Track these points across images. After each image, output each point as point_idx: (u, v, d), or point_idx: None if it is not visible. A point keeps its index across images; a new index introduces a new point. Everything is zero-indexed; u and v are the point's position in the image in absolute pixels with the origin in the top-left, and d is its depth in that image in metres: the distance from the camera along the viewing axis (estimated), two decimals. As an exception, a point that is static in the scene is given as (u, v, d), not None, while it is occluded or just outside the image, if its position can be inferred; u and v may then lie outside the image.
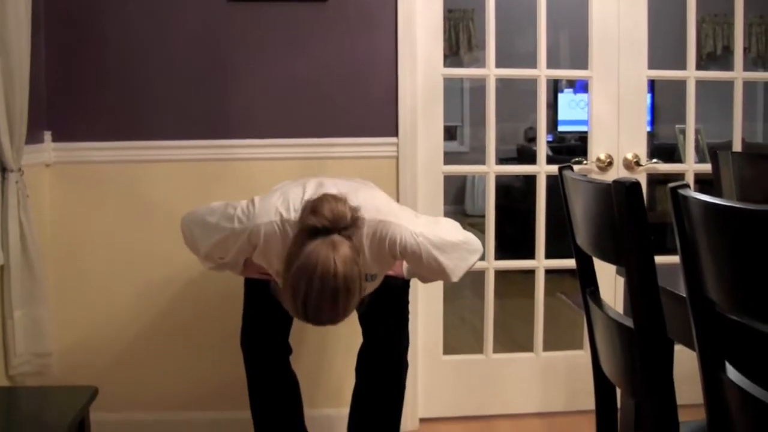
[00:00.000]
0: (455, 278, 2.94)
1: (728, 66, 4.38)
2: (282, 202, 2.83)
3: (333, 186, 2.88)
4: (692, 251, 1.57)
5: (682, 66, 4.19)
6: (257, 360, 3.26)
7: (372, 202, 2.85)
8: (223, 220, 2.89)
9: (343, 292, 2.46)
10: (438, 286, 4.08)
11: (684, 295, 1.63)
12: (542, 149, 4.21)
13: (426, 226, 2.91)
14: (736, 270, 1.42)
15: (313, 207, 2.56)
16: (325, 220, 2.50)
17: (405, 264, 3.13)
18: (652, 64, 4.15)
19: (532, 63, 4.12)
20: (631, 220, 1.78)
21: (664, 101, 9.21)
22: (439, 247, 2.85)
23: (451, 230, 2.97)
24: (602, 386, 2.37)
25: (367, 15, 3.92)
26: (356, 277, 2.50)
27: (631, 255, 1.82)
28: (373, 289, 2.98)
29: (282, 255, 2.65)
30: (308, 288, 2.45)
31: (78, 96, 3.87)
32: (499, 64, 4.09)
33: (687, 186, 1.59)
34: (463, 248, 2.94)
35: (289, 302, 2.52)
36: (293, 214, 2.77)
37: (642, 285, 1.82)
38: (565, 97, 9.96)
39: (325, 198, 2.60)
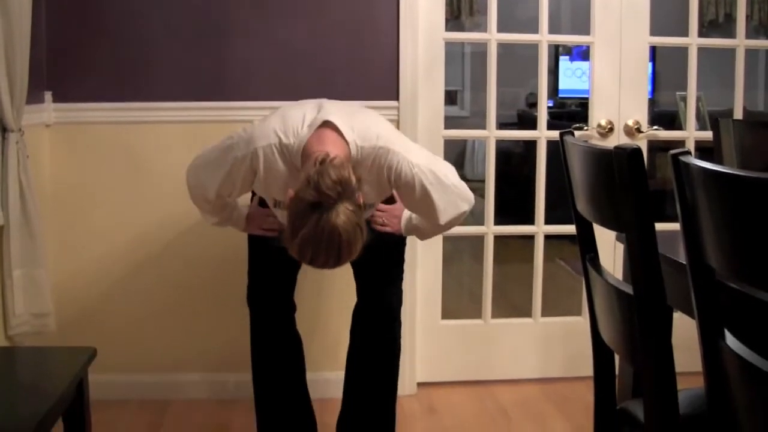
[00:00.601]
0: (443, 220, 2.93)
1: (730, 34, 4.36)
2: (280, 125, 2.83)
3: (333, 107, 2.89)
4: (693, 218, 1.57)
5: (684, 33, 4.18)
6: (264, 316, 3.26)
7: (373, 129, 2.86)
8: (224, 153, 2.89)
9: (346, 252, 2.52)
10: (437, 249, 4.08)
11: (684, 263, 1.63)
12: (543, 115, 4.20)
13: (425, 159, 2.91)
14: (736, 237, 1.42)
15: (315, 184, 2.50)
16: (327, 197, 2.48)
17: (403, 220, 3.14)
18: (654, 31, 4.14)
19: (534, 28, 4.10)
20: (632, 186, 1.78)
21: (665, 68, 9.17)
22: (434, 183, 2.85)
23: (448, 173, 2.96)
24: (601, 353, 2.38)
25: (368, -21, 3.91)
26: (359, 237, 2.54)
27: (632, 222, 1.82)
28: (370, 213, 3.00)
29: (282, 183, 2.74)
30: (314, 253, 2.50)
31: (78, 56, 3.85)
32: (500, 29, 4.07)
33: (688, 153, 1.59)
34: (455, 193, 2.94)
35: (295, 255, 2.56)
36: (292, 140, 2.77)
37: (642, 252, 1.82)
38: (562, 65, 9.91)
39: (325, 170, 2.54)
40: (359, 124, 2.83)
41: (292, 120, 2.83)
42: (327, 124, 2.78)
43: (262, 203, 3.17)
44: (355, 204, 2.54)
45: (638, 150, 1.77)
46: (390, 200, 3.14)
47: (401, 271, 3.33)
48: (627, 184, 1.79)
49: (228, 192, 2.95)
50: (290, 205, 2.57)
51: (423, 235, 3.25)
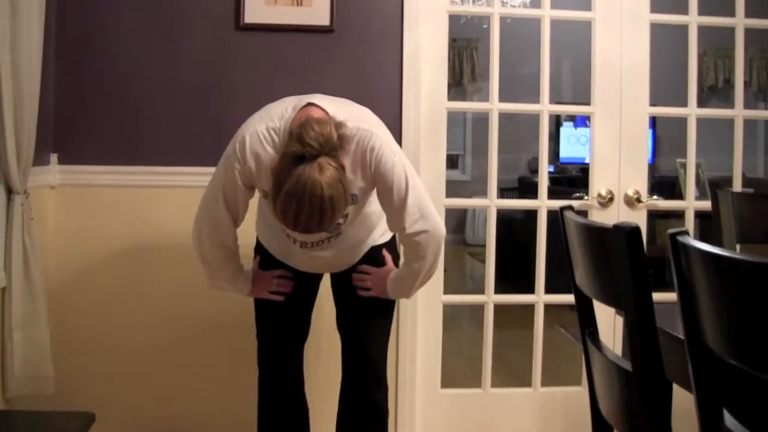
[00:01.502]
0: (410, 229, 2.90)
1: (729, 99, 4.41)
2: (264, 114, 2.91)
3: (317, 95, 2.95)
4: (691, 298, 1.59)
5: (684, 98, 4.22)
6: (273, 380, 3.23)
7: (358, 113, 2.94)
8: (219, 166, 2.99)
9: (329, 210, 2.60)
10: (437, 316, 4.08)
11: (682, 338, 1.64)
12: (543, 184, 4.21)
13: (407, 162, 2.95)
14: (736, 319, 1.44)
15: (298, 135, 2.60)
16: (310, 148, 2.56)
17: (389, 282, 3.13)
18: (654, 96, 4.18)
19: (535, 92, 4.14)
20: (630, 265, 1.80)
21: (665, 133, 9.26)
22: (410, 184, 2.87)
23: (422, 189, 2.97)
24: (600, 426, 2.38)
25: (373, 46, 3.96)
26: (341, 195, 2.63)
27: (630, 300, 1.83)
28: (353, 212, 2.99)
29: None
30: (297, 210, 2.57)
31: (85, 119, 3.89)
32: (502, 93, 4.11)
33: (686, 233, 1.61)
34: (426, 203, 2.94)
35: (279, 218, 2.67)
36: (278, 122, 2.82)
37: (641, 330, 1.83)
38: (566, 131, 10.00)
39: (308, 123, 2.63)
40: (345, 107, 2.92)
41: (275, 108, 2.91)
42: (312, 105, 2.84)
43: (264, 264, 3.20)
44: (338, 162, 2.62)
45: (636, 229, 1.79)
46: (378, 263, 3.16)
47: (388, 325, 3.29)
48: (625, 263, 1.80)
49: (233, 201, 2.95)
50: (276, 164, 2.66)
51: (405, 287, 3.14)
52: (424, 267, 3.00)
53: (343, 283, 3.21)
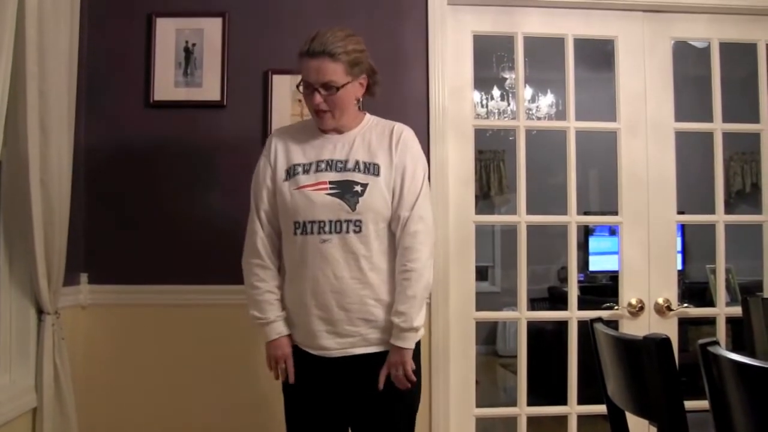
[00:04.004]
0: (410, 221, 2.98)
1: (757, 203, 4.40)
2: None
3: None
4: (724, 408, 1.57)
5: (711, 204, 4.23)
6: None
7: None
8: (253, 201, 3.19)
9: (343, 32, 2.96)
10: (470, 430, 4.03)
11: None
12: (573, 295, 4.19)
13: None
14: (769, 431, 1.42)
15: None
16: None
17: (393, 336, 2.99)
18: (681, 203, 4.18)
19: (563, 202, 4.16)
20: (661, 376, 1.78)
21: (694, 239, 9.21)
22: (424, 188, 3.04)
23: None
24: None
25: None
26: (358, 41, 3.00)
27: (662, 411, 1.82)
28: (369, 190, 2.99)
29: (299, 143, 3.11)
30: (318, 32, 2.94)
31: (113, 238, 3.94)
32: (530, 204, 4.13)
33: (716, 343, 1.60)
34: (429, 211, 3.06)
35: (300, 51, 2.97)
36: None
37: (674, 442, 1.81)
38: (595, 240, 10.02)
39: None
40: None
41: None
42: None
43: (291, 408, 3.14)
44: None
45: (666, 340, 1.78)
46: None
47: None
48: (657, 374, 1.79)
49: (264, 203, 3.12)
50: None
51: (413, 301, 2.97)
52: (418, 267, 2.95)
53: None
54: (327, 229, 2.95)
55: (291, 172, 3.05)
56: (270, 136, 3.22)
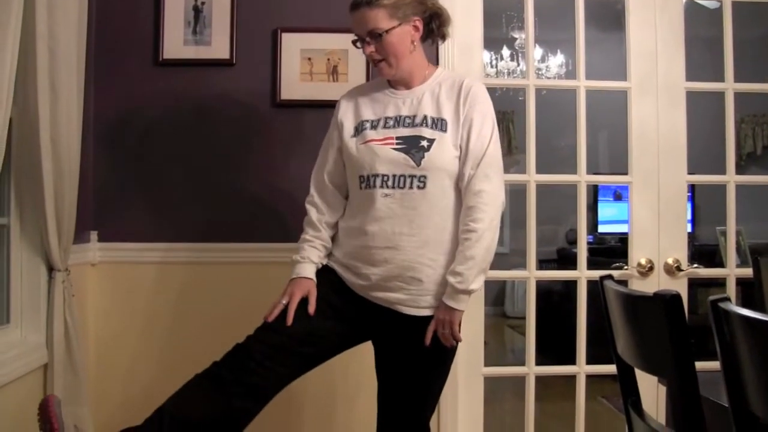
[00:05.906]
0: (474, 181, 2.93)
1: (768, 165, 4.39)
2: None
3: None
4: (734, 365, 1.57)
5: (722, 166, 4.20)
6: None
7: None
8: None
9: None
10: (478, 390, 4.04)
11: (726, 405, 1.62)
12: (582, 255, 4.18)
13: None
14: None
15: None
16: None
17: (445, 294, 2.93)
18: (692, 165, 4.15)
19: (572, 163, 4.14)
20: (671, 333, 1.78)
21: (704, 202, 9.19)
22: (493, 138, 3.00)
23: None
24: (645, 497, 2.34)
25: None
26: None
27: (672, 368, 1.81)
28: (436, 146, 2.95)
29: (369, 99, 3.13)
30: None
31: (123, 197, 3.95)
32: (539, 164, 4.11)
33: (727, 299, 1.60)
34: (489, 177, 2.95)
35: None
36: None
37: (684, 399, 1.81)
38: (600, 207, 10.02)
39: None
40: None
41: None
42: None
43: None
44: None
45: (677, 296, 1.78)
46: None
47: (443, 384, 3.11)
48: (667, 331, 1.79)
49: (330, 155, 3.16)
50: None
51: (471, 262, 2.89)
52: (480, 228, 2.87)
53: (391, 363, 3.06)
54: (390, 183, 2.92)
55: (359, 128, 3.05)
56: (340, 97, 3.22)
